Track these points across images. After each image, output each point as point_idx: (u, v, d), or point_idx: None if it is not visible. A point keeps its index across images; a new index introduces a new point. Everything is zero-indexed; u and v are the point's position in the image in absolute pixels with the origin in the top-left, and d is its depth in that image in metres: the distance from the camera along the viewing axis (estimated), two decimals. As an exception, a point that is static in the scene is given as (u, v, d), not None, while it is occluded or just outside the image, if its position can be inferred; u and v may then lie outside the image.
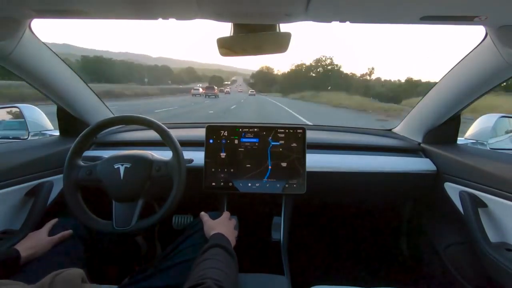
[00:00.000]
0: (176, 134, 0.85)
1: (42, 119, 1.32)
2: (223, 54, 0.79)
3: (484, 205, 0.83)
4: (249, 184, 0.95)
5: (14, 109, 1.40)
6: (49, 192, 0.90)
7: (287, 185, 0.95)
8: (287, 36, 0.72)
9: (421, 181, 1.06)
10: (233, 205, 1.01)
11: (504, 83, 0.87)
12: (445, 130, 1.07)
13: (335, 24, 0.64)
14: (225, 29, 0.73)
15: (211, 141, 0.97)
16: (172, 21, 0.64)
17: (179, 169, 0.81)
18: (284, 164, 0.96)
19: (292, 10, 0.59)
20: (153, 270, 0.70)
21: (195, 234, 0.77)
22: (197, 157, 0.95)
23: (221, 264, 0.57)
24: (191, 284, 0.49)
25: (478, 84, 0.86)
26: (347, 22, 0.64)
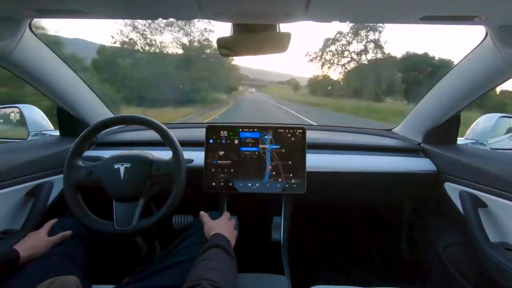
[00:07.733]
0: (176, 134, 0.85)
1: (42, 119, 1.32)
2: (223, 54, 0.79)
3: (484, 205, 0.83)
4: (249, 184, 0.95)
5: (14, 109, 1.40)
6: (49, 192, 0.90)
7: (287, 185, 0.95)
8: (287, 36, 0.72)
9: (421, 181, 1.06)
10: (233, 205, 1.01)
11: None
12: (445, 130, 1.07)
13: (335, 23, 0.65)
14: (225, 29, 0.74)
15: (211, 141, 0.97)
16: (172, 21, 0.64)
17: (179, 168, 0.81)
18: (284, 164, 0.96)
19: (292, 10, 0.59)
20: (152, 270, 0.70)
21: (195, 234, 0.77)
22: (197, 157, 0.95)
23: (218, 265, 0.57)
24: (188, 285, 0.49)
25: (478, 84, 0.86)
26: (347, 22, 0.64)
